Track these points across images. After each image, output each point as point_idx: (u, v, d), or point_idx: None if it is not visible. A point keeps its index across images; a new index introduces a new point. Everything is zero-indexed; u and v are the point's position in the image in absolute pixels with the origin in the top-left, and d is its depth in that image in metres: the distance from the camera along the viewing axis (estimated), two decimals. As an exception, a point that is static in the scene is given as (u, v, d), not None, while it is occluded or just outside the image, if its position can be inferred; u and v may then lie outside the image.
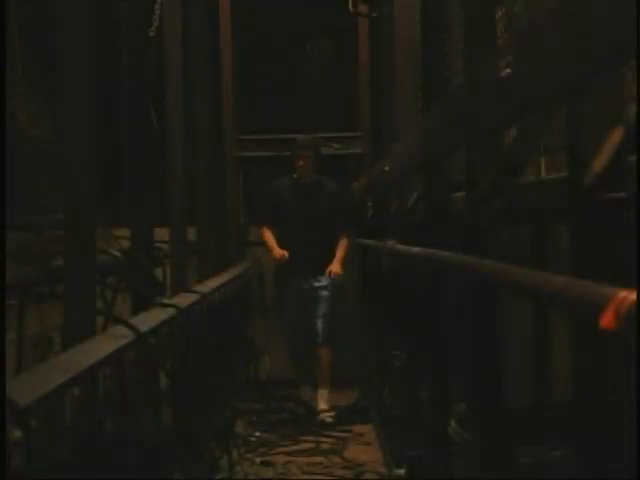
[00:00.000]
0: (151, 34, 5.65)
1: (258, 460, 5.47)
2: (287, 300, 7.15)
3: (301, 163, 7.10)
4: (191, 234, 6.21)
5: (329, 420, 6.62)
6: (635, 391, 1.55)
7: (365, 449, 5.78)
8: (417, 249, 3.66)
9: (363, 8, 7.83)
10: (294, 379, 7.21)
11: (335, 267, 7.02)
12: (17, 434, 1.87)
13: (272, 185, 7.43)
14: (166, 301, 4.27)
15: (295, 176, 7.23)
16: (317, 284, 6.99)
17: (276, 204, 7.17)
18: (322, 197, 7.13)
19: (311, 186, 7.17)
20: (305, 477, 5.20)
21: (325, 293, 6.96)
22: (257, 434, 6.03)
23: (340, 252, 7.07)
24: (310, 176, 7.17)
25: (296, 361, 7.19)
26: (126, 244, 4.55)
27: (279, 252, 6.92)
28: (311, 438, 6.00)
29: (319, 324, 6.92)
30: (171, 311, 4.01)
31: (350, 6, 7.78)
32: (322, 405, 6.79)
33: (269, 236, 7.09)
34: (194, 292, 4.89)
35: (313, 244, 6.92)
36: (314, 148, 7.20)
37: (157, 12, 6.14)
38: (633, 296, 1.10)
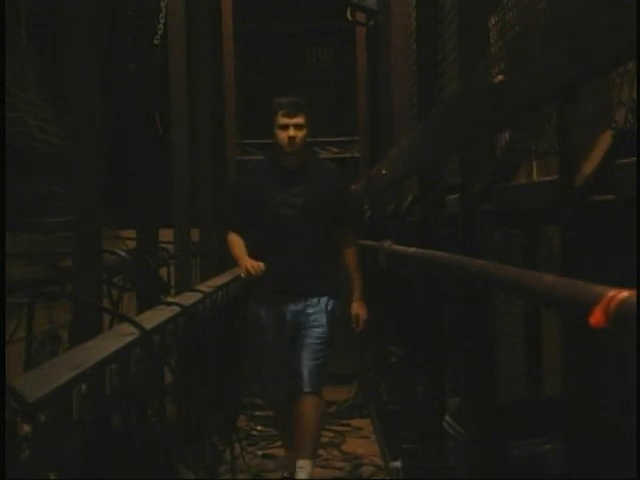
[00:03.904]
0: (156, 42, 5.64)
1: (259, 453, 5.47)
2: (260, 330, 4.68)
3: (292, 133, 4.52)
4: (195, 235, 6.22)
5: None
6: (623, 385, 1.55)
7: (363, 442, 5.78)
8: (413, 249, 3.66)
9: (361, 17, 7.83)
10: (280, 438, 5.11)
11: (360, 310, 4.72)
12: (26, 428, 1.86)
13: (243, 172, 5.23)
14: (170, 300, 4.27)
15: (275, 156, 4.70)
16: (307, 309, 4.58)
17: (248, 198, 4.66)
18: (316, 184, 4.64)
19: (300, 170, 4.64)
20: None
21: (318, 321, 4.57)
22: (258, 428, 6.03)
23: (356, 279, 4.75)
24: (300, 156, 4.64)
25: (280, 413, 4.86)
26: (133, 245, 4.55)
27: (250, 263, 4.44)
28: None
29: (306, 363, 4.54)
30: (175, 309, 4.01)
31: (348, 15, 7.78)
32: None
33: (236, 243, 4.61)
34: (197, 291, 4.88)
35: (302, 252, 4.55)
36: (307, 114, 4.65)
37: (162, 21, 6.14)
38: (622, 295, 1.10)
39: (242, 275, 4.54)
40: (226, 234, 4.71)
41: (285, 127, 4.53)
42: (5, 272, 2.02)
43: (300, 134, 4.55)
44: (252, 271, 4.39)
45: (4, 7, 2.09)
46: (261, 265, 4.40)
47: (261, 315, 4.63)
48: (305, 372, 4.53)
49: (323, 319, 4.56)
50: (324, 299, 4.57)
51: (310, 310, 4.56)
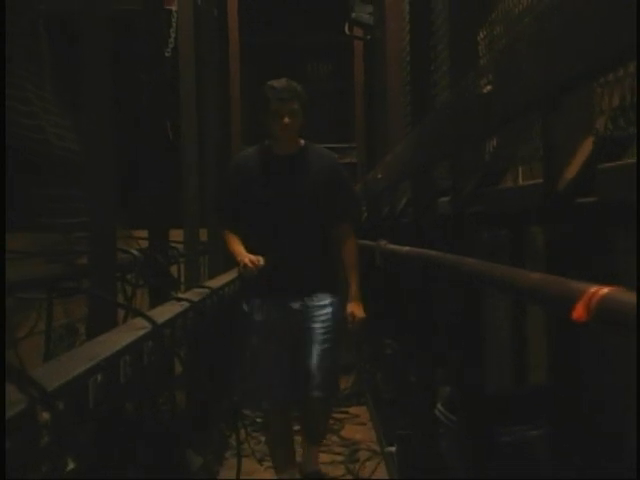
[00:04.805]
0: (167, 54, 5.64)
1: (263, 439, 5.46)
2: (257, 332, 4.01)
3: (286, 120, 3.85)
4: (203, 235, 6.21)
5: None
6: (603, 375, 1.55)
7: (360, 429, 5.77)
8: (407, 248, 3.65)
9: (358, 31, 7.84)
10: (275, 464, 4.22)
11: (355, 308, 4.01)
12: (45, 416, 1.86)
13: (233, 164, 4.19)
14: (180, 295, 4.27)
15: (268, 144, 4.02)
16: (307, 307, 3.97)
17: (239, 190, 3.99)
18: (312, 173, 3.95)
19: (294, 158, 3.97)
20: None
21: (324, 317, 3.97)
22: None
23: (353, 277, 4.04)
24: (294, 143, 3.99)
25: (277, 423, 4.11)
26: (145, 244, 4.56)
27: (249, 257, 3.81)
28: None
29: (315, 364, 3.95)
30: (185, 304, 4.01)
31: (346, 29, 7.79)
32: (312, 465, 4.13)
33: (233, 240, 3.98)
34: (206, 287, 4.88)
35: (299, 247, 3.93)
36: (302, 99, 3.93)
37: (172, 35, 6.15)
38: (602, 291, 1.10)
39: (240, 271, 3.89)
40: (223, 231, 4.08)
41: (278, 114, 3.85)
42: (5, 272, 2.01)
43: (294, 121, 3.87)
44: (250, 265, 3.75)
45: (4, 7, 2.07)
46: (260, 259, 3.78)
47: (257, 316, 3.97)
48: (315, 371, 3.93)
49: (325, 317, 3.95)
50: (324, 295, 3.96)
51: (310, 309, 3.95)
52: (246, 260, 3.80)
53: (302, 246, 3.93)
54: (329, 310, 3.98)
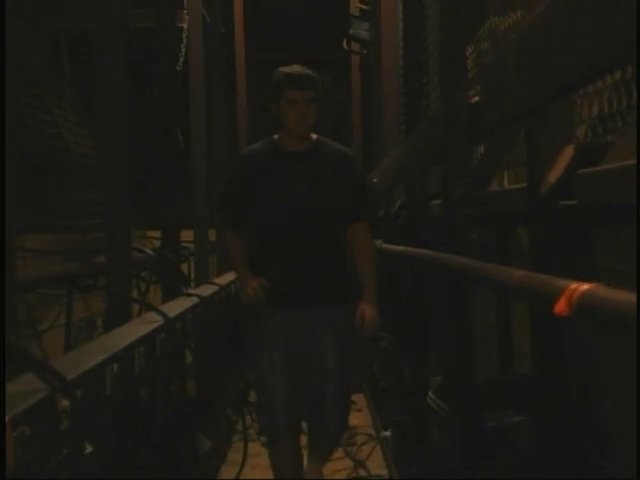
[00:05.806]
0: (178, 68, 5.64)
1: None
2: (261, 349, 3.19)
3: (301, 110, 3.16)
4: (212, 236, 6.21)
5: None
6: (582, 366, 1.55)
7: (357, 415, 5.76)
8: (401, 247, 3.65)
9: (355, 47, 7.84)
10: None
11: (368, 308, 3.18)
12: (65, 403, 1.86)
13: (238, 160, 3.40)
14: (191, 291, 4.27)
15: (276, 139, 3.26)
16: (318, 323, 3.17)
17: (246, 189, 3.22)
18: (325, 170, 3.20)
19: (307, 153, 3.24)
20: (306, 438, 5.19)
21: (332, 338, 3.20)
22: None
23: (367, 272, 3.25)
24: (306, 137, 3.25)
25: (279, 454, 3.29)
26: (158, 244, 4.56)
27: (252, 285, 3.13)
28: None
29: (320, 400, 3.26)
30: (195, 300, 4.01)
31: (344, 44, 7.79)
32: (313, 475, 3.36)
33: (235, 251, 3.28)
34: (214, 284, 4.88)
35: (312, 253, 3.16)
36: (318, 87, 3.21)
37: (183, 50, 6.15)
38: (583, 287, 1.09)
39: (243, 301, 3.20)
40: (225, 232, 3.42)
41: (293, 102, 3.14)
42: (6, 271, 2.00)
43: (310, 110, 3.16)
44: (253, 295, 3.12)
45: (4, 7, 2.06)
46: (265, 285, 3.12)
47: (264, 322, 3.19)
48: (318, 410, 3.25)
49: (343, 328, 3.21)
50: (338, 309, 3.20)
51: (325, 319, 3.17)
52: (249, 289, 3.14)
53: (314, 251, 3.18)
54: (342, 329, 3.23)
